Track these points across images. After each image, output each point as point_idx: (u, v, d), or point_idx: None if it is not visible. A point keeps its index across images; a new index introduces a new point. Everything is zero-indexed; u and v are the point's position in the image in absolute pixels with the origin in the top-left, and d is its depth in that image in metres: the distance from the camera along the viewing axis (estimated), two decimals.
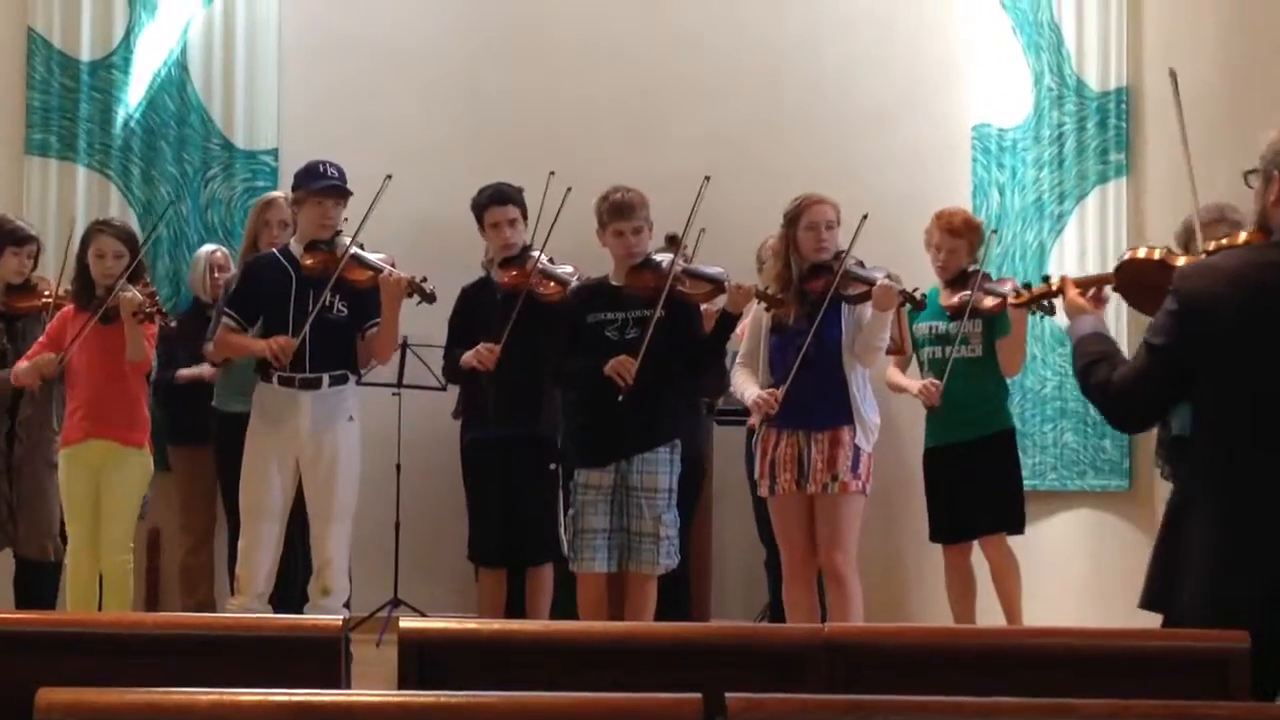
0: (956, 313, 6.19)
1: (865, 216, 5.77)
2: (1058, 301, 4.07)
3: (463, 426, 6.48)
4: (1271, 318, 3.25)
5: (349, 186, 6.08)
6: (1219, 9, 6.59)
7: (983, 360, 6.24)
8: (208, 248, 7.23)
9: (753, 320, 6.03)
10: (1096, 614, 6.76)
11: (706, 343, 5.85)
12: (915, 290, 5.79)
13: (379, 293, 5.93)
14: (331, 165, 6.09)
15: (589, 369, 5.71)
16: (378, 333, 6.00)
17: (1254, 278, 3.30)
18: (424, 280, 5.93)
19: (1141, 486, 6.85)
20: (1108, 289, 3.87)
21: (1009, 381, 6.48)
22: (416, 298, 5.96)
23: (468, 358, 6.16)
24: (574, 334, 5.84)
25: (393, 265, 6.03)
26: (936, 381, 6.17)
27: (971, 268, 6.33)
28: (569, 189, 6.18)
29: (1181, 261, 3.63)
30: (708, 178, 5.84)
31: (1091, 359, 3.53)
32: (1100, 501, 7.00)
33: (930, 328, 6.29)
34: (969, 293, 6.17)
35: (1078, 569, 7.03)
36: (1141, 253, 3.85)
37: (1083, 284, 3.85)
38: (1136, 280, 3.76)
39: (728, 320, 5.79)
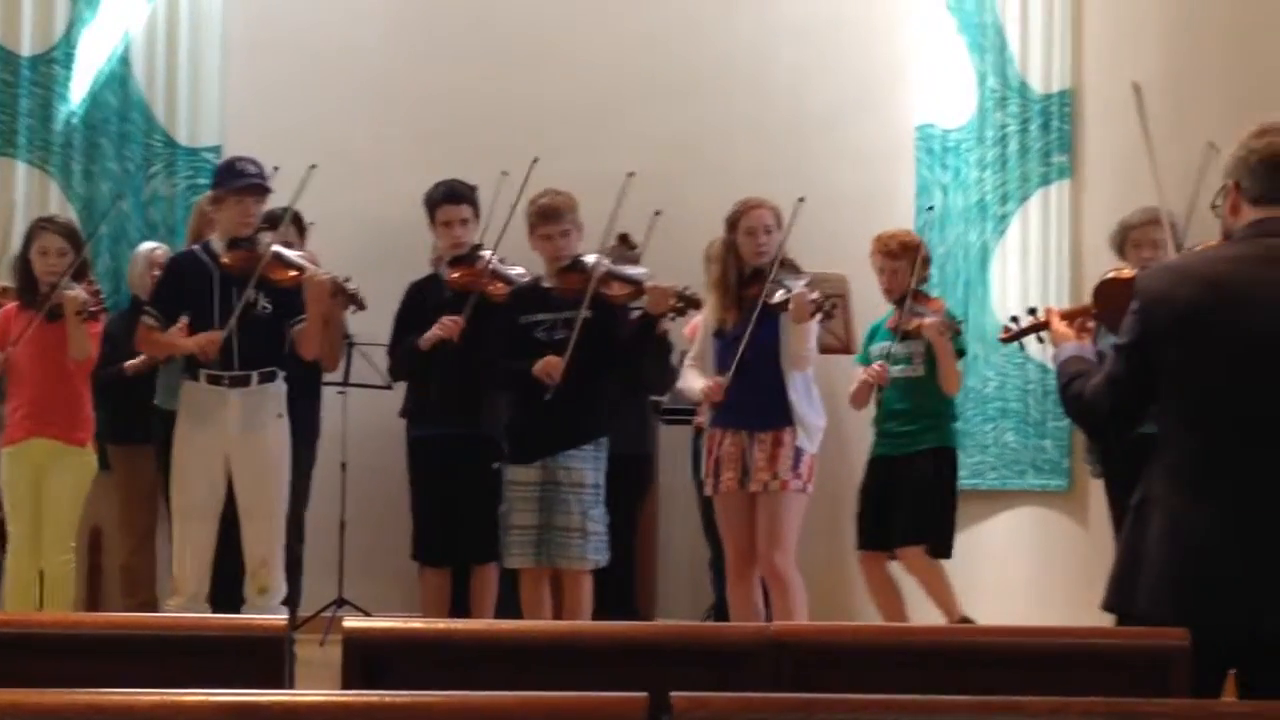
0: (899, 334, 6.24)
1: (801, 200, 5.80)
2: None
3: (408, 425, 6.46)
4: (1225, 311, 3.28)
5: (283, 184, 6.03)
6: (1159, 14, 6.65)
7: (924, 379, 6.28)
8: (147, 246, 7.17)
9: (703, 322, 6.05)
10: (1037, 611, 6.82)
11: (628, 344, 5.88)
12: (827, 301, 5.77)
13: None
14: (251, 162, 6.04)
15: (518, 370, 5.73)
16: (303, 330, 5.96)
17: (1208, 271, 3.35)
18: (348, 280, 5.91)
19: (1080, 486, 6.90)
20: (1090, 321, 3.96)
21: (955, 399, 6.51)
22: (341, 299, 5.92)
23: (429, 334, 6.12)
24: (507, 336, 5.86)
25: (315, 263, 5.99)
26: (883, 363, 6.20)
27: (921, 286, 6.36)
28: (504, 173, 6.16)
29: None
30: (631, 174, 5.85)
31: (1070, 377, 3.57)
32: (1040, 500, 7.06)
33: (881, 349, 6.34)
34: (901, 316, 6.22)
35: (1018, 567, 7.08)
36: (1111, 274, 3.89)
37: (1067, 315, 3.92)
38: (1113, 303, 3.76)
39: (648, 321, 5.82)
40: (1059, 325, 3.82)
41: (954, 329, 6.22)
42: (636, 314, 5.94)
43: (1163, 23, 6.64)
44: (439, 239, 6.39)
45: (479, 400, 6.17)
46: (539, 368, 5.70)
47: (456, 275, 6.22)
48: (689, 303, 5.81)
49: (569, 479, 5.78)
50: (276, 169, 6.00)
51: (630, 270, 6.02)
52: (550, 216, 5.84)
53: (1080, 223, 6.98)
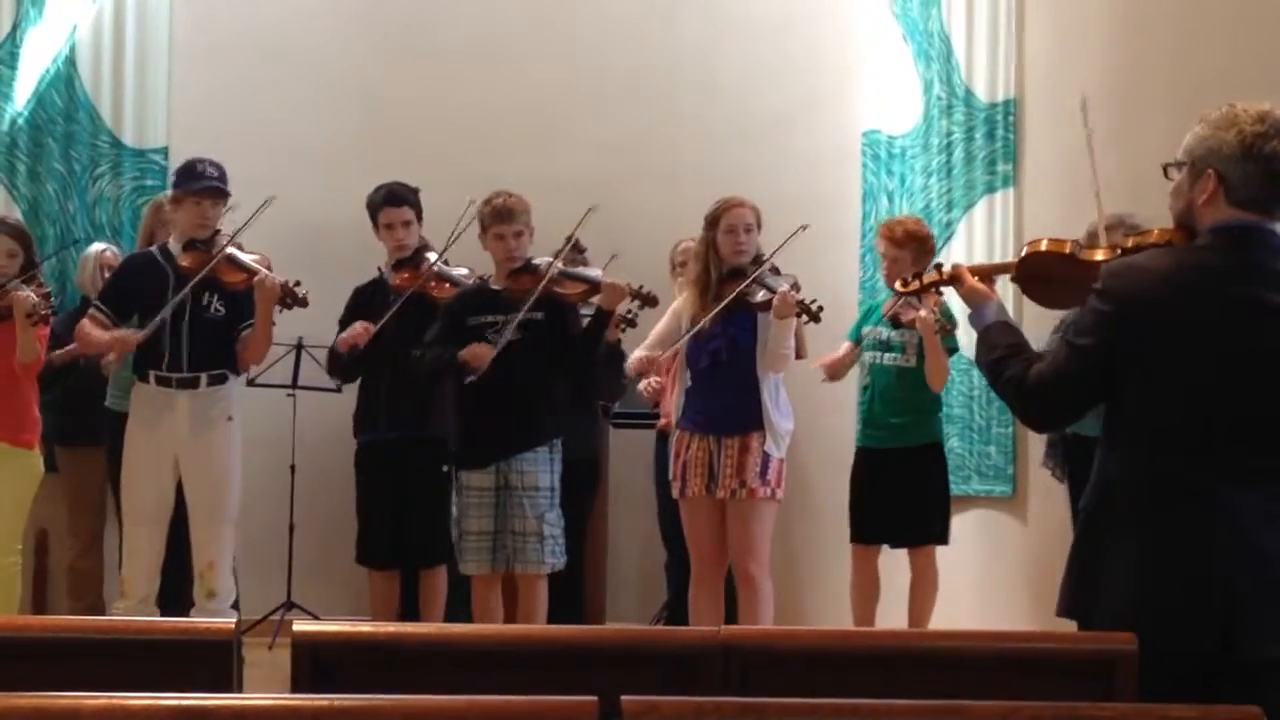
0: (892, 321, 6.25)
1: (803, 227, 5.83)
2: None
3: (356, 429, 6.43)
4: (1205, 322, 3.18)
5: (232, 186, 5.99)
6: (1102, 24, 6.70)
7: (915, 370, 6.29)
8: (97, 246, 7.11)
9: (672, 313, 6.04)
10: (983, 614, 6.85)
11: (582, 341, 5.87)
12: (813, 302, 5.80)
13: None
14: (210, 164, 6.00)
15: (441, 359, 5.73)
16: (250, 334, 5.93)
17: (1187, 281, 3.22)
18: (297, 284, 5.88)
19: (1024, 491, 6.94)
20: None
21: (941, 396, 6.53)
22: (290, 302, 5.89)
23: (343, 337, 6.14)
24: (452, 334, 5.83)
25: (268, 268, 5.96)
26: (839, 356, 6.28)
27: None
28: (471, 200, 6.13)
29: (1100, 257, 3.50)
30: (594, 207, 5.87)
31: (1003, 353, 3.40)
32: (985, 505, 7.09)
33: (873, 332, 6.35)
34: (895, 303, 6.23)
35: (964, 571, 7.10)
36: (1045, 245, 3.61)
37: (979, 272, 3.66)
38: (1039, 272, 3.59)
39: (601, 317, 5.81)
40: (973, 282, 3.59)
41: (945, 328, 6.22)
42: (588, 316, 5.92)
43: (1105, 33, 6.69)
44: (382, 241, 6.37)
45: (428, 404, 6.15)
46: (466, 352, 5.67)
47: (402, 277, 6.20)
48: (644, 300, 5.79)
49: (523, 482, 5.76)
50: (272, 198, 5.98)
51: (585, 270, 6.01)
52: (505, 217, 5.83)
53: (1024, 231, 7.00)
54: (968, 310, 3.59)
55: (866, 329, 6.40)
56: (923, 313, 6.13)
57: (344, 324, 6.35)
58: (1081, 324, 3.26)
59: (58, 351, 6.42)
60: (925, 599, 6.26)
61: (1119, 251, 3.47)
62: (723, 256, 5.90)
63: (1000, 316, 3.49)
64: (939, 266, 3.76)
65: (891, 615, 6.35)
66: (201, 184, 5.93)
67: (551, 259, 5.88)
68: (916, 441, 6.31)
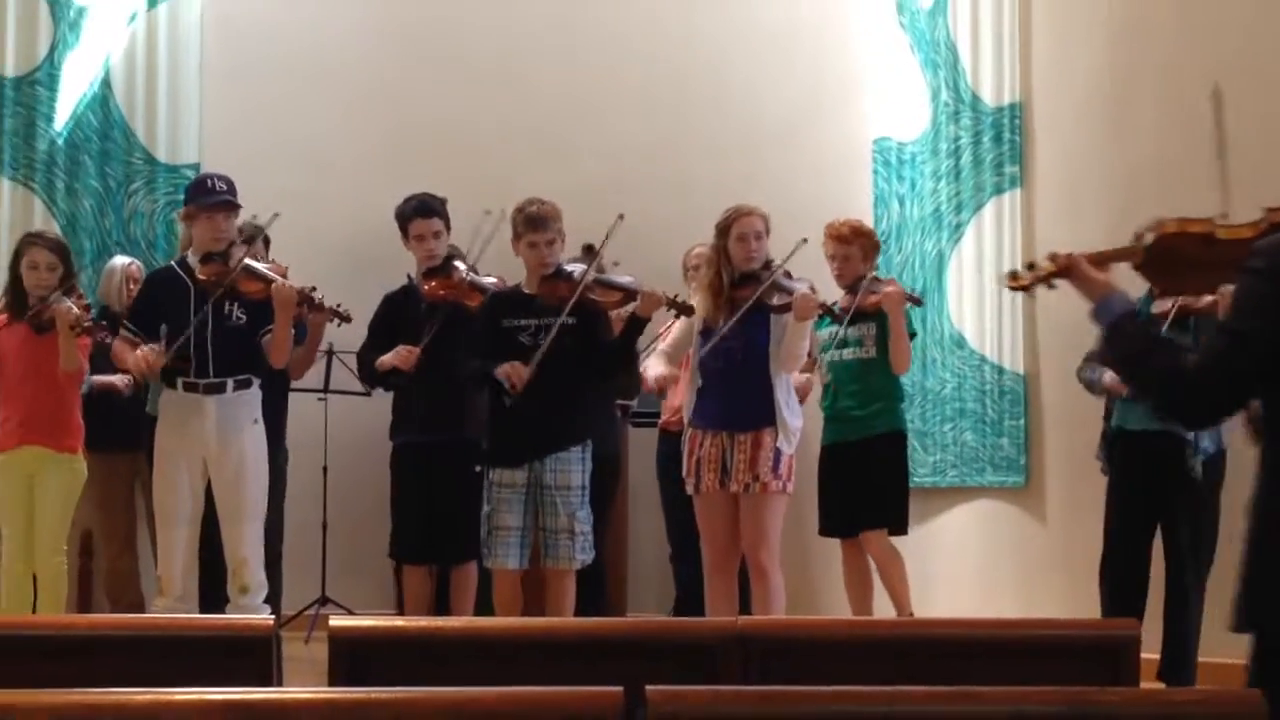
0: (850, 316, 6.24)
1: (804, 241, 5.84)
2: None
3: (392, 431, 6.46)
4: None
5: (261, 199, 6.03)
6: (1101, 29, 6.71)
7: (875, 361, 6.28)
8: (122, 259, 7.14)
9: (684, 322, 6.05)
10: (995, 601, 6.86)
11: (615, 346, 5.89)
12: (834, 303, 5.85)
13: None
14: (220, 179, 6.04)
15: (480, 377, 5.74)
16: (270, 339, 5.97)
17: None
18: (314, 290, 5.91)
19: (1036, 482, 6.95)
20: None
21: (907, 385, 6.53)
22: (307, 308, 5.93)
23: (386, 359, 6.16)
24: (488, 338, 5.85)
25: (284, 275, 6.00)
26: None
27: (874, 273, 6.38)
28: (487, 211, 6.16)
29: (1247, 235, 3.06)
30: (621, 216, 5.88)
31: (1143, 345, 3.02)
32: (998, 496, 7.10)
33: (830, 333, 6.35)
34: (855, 296, 6.23)
35: (977, 560, 7.13)
36: (1175, 225, 3.19)
37: (1099, 260, 3.27)
38: (1169, 256, 3.18)
39: (636, 323, 5.82)
40: (1093, 272, 3.20)
41: (914, 299, 6.23)
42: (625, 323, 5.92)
43: (1104, 38, 6.70)
44: (412, 251, 6.39)
45: (461, 408, 6.17)
46: (504, 370, 5.69)
47: (432, 285, 6.23)
48: (680, 309, 5.81)
49: (556, 481, 5.75)
50: (277, 215, 5.97)
51: (620, 278, 6.01)
52: (537, 224, 5.82)
53: (1032, 229, 7.02)
54: (1090, 303, 3.21)
55: (821, 332, 6.37)
56: (890, 288, 6.15)
57: (374, 330, 6.36)
58: (1244, 308, 2.82)
59: (96, 378, 6.47)
60: (896, 580, 6.21)
61: (1266, 227, 3.06)
62: (734, 262, 5.92)
63: (1128, 307, 3.11)
64: (1053, 257, 3.39)
65: (886, 604, 6.35)
66: (213, 199, 5.97)
67: (585, 267, 5.89)
68: (879, 430, 6.28)
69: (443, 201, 6.37)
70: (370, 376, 6.43)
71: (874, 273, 6.40)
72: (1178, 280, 3.30)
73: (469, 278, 6.21)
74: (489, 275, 6.35)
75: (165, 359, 5.81)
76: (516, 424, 5.72)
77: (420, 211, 6.31)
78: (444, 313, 6.10)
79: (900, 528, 6.30)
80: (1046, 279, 3.40)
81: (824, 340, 6.36)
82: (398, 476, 6.38)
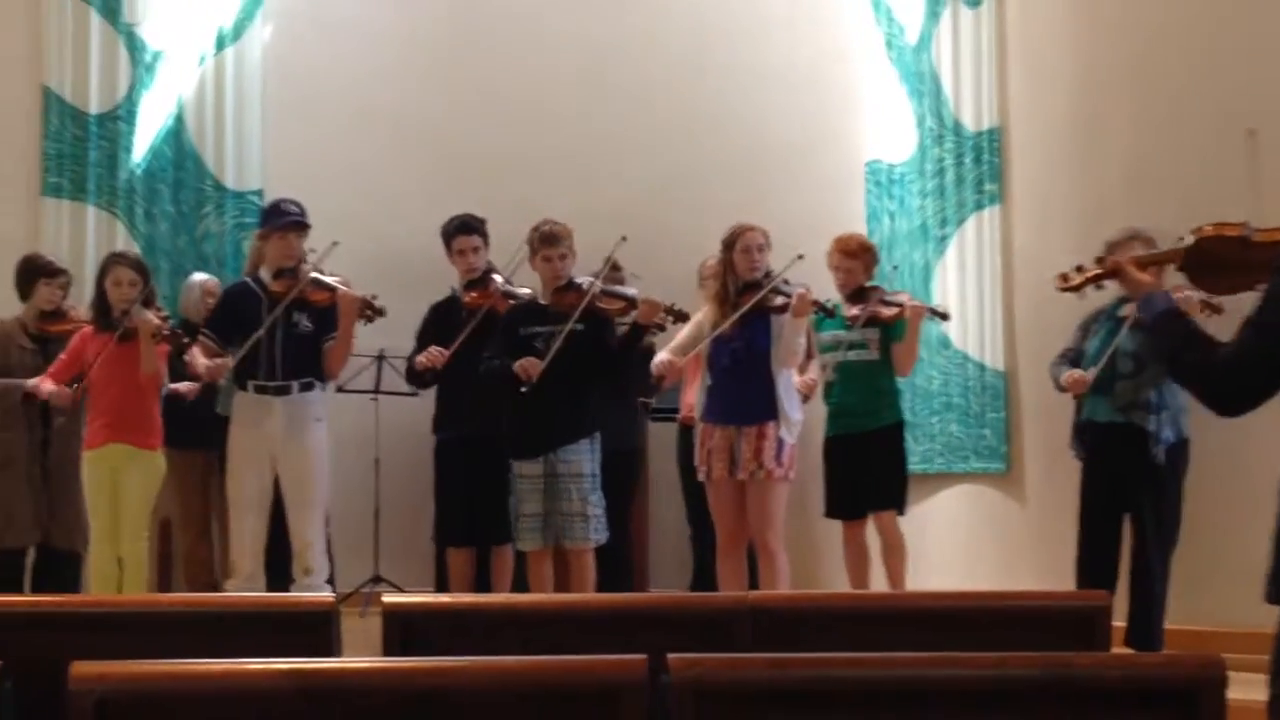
0: (857, 322, 6.24)
1: (800, 256, 5.85)
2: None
3: (434, 427, 6.48)
4: None
5: (319, 222, 6.06)
6: (1070, 61, 6.70)
7: (878, 363, 6.29)
8: (200, 276, 7.17)
9: (694, 323, 6.07)
10: (977, 575, 6.85)
11: (618, 348, 5.89)
12: (828, 301, 5.88)
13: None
14: (292, 203, 6.07)
15: (499, 370, 5.75)
16: (333, 345, 6.00)
17: None
18: (375, 298, 5.94)
19: (1016, 468, 6.94)
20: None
21: (900, 380, 6.53)
22: (370, 314, 5.96)
23: (420, 359, 6.19)
24: (506, 344, 5.86)
25: (348, 285, 6.03)
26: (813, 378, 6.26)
27: (870, 284, 6.38)
28: (531, 229, 6.14)
29: None
30: (624, 238, 5.89)
31: (1181, 340, 2.96)
32: (982, 481, 7.09)
33: (833, 336, 6.35)
34: (866, 305, 6.23)
35: (962, 539, 7.11)
36: (1212, 229, 3.16)
37: (1144, 262, 3.25)
38: (1208, 259, 3.15)
39: (636, 329, 5.84)
40: (1138, 273, 3.17)
41: (939, 314, 6.32)
42: (623, 328, 5.95)
43: (1074, 69, 6.69)
44: (455, 265, 6.41)
45: (497, 405, 6.19)
46: (519, 365, 5.71)
47: (472, 296, 6.26)
48: (676, 316, 5.83)
49: (568, 470, 5.80)
50: (336, 243, 5.97)
51: (623, 288, 6.05)
52: (551, 241, 5.88)
53: (1010, 241, 7.02)
54: (1135, 301, 3.18)
55: (824, 335, 6.36)
56: (912, 302, 6.16)
57: (421, 337, 6.39)
58: (1271, 303, 2.79)
59: (173, 385, 6.50)
60: (896, 560, 6.21)
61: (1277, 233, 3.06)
62: (738, 273, 5.95)
63: (1170, 304, 3.06)
64: (1100, 260, 3.37)
65: (881, 580, 6.34)
66: (285, 220, 6.00)
67: (593, 279, 5.91)
68: (882, 423, 6.29)
69: (482, 221, 6.40)
70: (410, 377, 6.46)
71: (875, 283, 6.40)
72: (1217, 280, 3.19)
73: (504, 288, 6.23)
74: (523, 288, 6.37)
75: (234, 364, 5.83)
76: (532, 421, 5.76)
77: (462, 229, 6.35)
78: (478, 317, 6.12)
79: (903, 508, 6.32)
80: (1096, 280, 3.39)
81: (828, 342, 6.36)
82: (440, 468, 6.40)
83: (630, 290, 5.99)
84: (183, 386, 6.42)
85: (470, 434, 6.20)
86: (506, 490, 6.01)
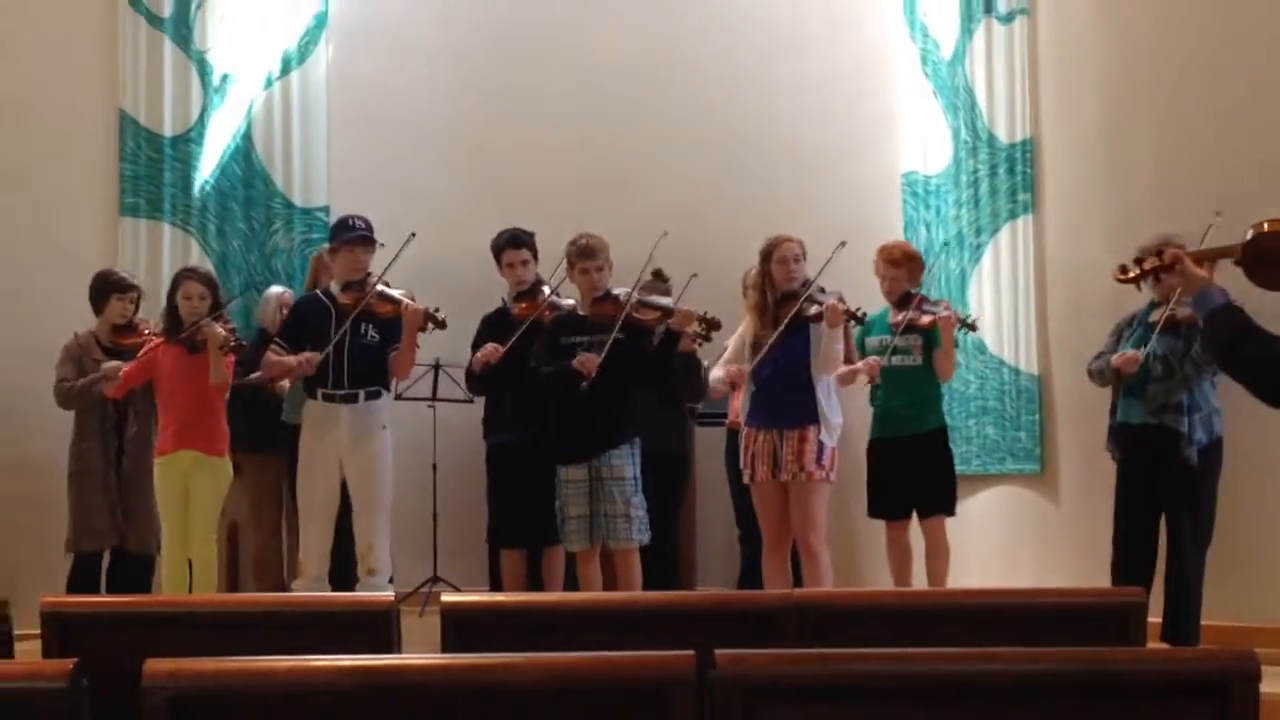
0: (898, 329, 6.21)
1: (843, 244, 5.83)
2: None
3: (486, 432, 6.49)
4: None
5: (377, 235, 6.08)
6: (1100, 74, 6.64)
7: (921, 368, 6.25)
8: (276, 289, 7.21)
9: (738, 335, 6.07)
10: (1014, 574, 6.79)
11: (653, 358, 5.88)
12: (859, 310, 5.83)
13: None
14: (359, 219, 6.09)
15: (559, 370, 5.77)
16: (397, 355, 6.02)
17: None
18: (437, 310, 5.96)
19: (1050, 469, 6.87)
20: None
21: (943, 386, 6.48)
22: (431, 325, 5.97)
23: (477, 357, 6.19)
24: (549, 353, 5.88)
25: (412, 299, 6.04)
26: (877, 358, 6.18)
27: (915, 290, 6.33)
28: (569, 243, 6.15)
29: None
30: (665, 233, 5.88)
31: (1235, 333, 2.92)
32: (1017, 482, 7.03)
33: (880, 341, 6.31)
34: (908, 312, 6.19)
35: (1000, 538, 7.05)
36: (1269, 226, 3.10)
37: (1200, 256, 3.19)
38: (1266, 254, 3.07)
39: (671, 338, 5.82)
40: (1194, 268, 3.10)
41: (968, 325, 6.22)
42: (660, 335, 5.92)
43: (1104, 82, 6.63)
44: (505, 278, 6.41)
45: (545, 410, 6.20)
46: (578, 360, 5.72)
47: (522, 307, 6.26)
48: (709, 324, 5.80)
49: (612, 474, 5.80)
50: (413, 235, 6.00)
51: (658, 299, 6.04)
52: (588, 254, 5.88)
53: (1043, 249, 6.96)
54: (1189, 295, 3.12)
55: (871, 339, 6.33)
56: (944, 312, 6.11)
57: (475, 347, 6.40)
58: None
59: (255, 375, 6.54)
60: (940, 563, 6.16)
61: None
62: (776, 284, 5.94)
63: (1227, 299, 3.01)
64: (1159, 253, 3.26)
65: (922, 578, 6.29)
66: (353, 235, 6.03)
67: (629, 290, 5.90)
68: (927, 427, 6.25)
69: (531, 235, 6.40)
70: (470, 381, 6.46)
71: (919, 291, 6.36)
72: (1274, 274, 3.10)
73: (551, 299, 6.23)
74: (569, 299, 6.36)
75: (320, 357, 5.87)
76: (576, 427, 5.76)
77: (512, 243, 6.35)
78: (523, 327, 6.12)
79: (950, 509, 6.27)
80: (1153, 273, 3.31)
81: (874, 347, 6.31)
82: (492, 472, 6.40)
83: (665, 300, 5.98)
84: (254, 377, 6.47)
85: (519, 439, 6.20)
86: (555, 493, 6.01)
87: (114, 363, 6.13)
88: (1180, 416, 5.38)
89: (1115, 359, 5.52)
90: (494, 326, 6.38)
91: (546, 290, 6.30)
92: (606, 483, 5.79)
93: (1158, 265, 3.24)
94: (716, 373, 6.15)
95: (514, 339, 6.10)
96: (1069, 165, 6.84)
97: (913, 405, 6.24)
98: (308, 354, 5.92)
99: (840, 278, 6.02)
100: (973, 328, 6.33)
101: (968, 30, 7.24)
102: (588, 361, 5.71)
